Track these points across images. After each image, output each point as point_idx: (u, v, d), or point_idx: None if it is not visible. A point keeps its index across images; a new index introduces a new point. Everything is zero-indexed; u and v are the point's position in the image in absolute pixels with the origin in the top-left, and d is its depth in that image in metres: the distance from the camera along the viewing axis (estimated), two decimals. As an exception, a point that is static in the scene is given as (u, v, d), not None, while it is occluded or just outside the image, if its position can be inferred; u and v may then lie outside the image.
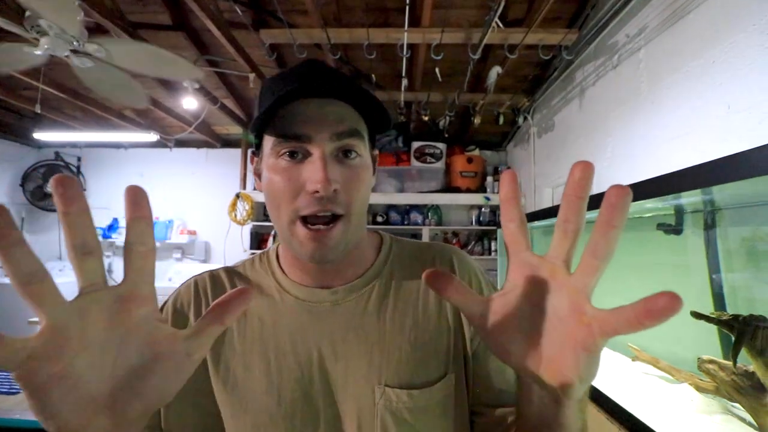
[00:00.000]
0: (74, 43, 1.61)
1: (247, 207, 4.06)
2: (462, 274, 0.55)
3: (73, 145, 4.66)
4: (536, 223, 2.08)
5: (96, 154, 4.72)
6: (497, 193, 3.98)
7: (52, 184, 0.23)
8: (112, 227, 4.51)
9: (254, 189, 4.30)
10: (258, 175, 0.52)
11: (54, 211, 4.60)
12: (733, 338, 0.82)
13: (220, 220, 4.36)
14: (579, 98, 2.61)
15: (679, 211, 1.07)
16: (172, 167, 4.69)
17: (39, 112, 2.70)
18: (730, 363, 0.85)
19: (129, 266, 0.28)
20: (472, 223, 4.07)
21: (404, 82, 2.69)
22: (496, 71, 2.52)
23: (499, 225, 3.02)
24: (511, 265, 0.31)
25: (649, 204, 1.04)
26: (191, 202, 4.63)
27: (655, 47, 1.86)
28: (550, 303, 0.29)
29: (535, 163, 3.45)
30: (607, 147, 2.23)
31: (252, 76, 2.83)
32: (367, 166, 0.49)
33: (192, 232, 4.52)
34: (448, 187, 4.15)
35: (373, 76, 2.77)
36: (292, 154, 0.45)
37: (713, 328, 1.07)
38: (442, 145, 3.98)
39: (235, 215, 4.07)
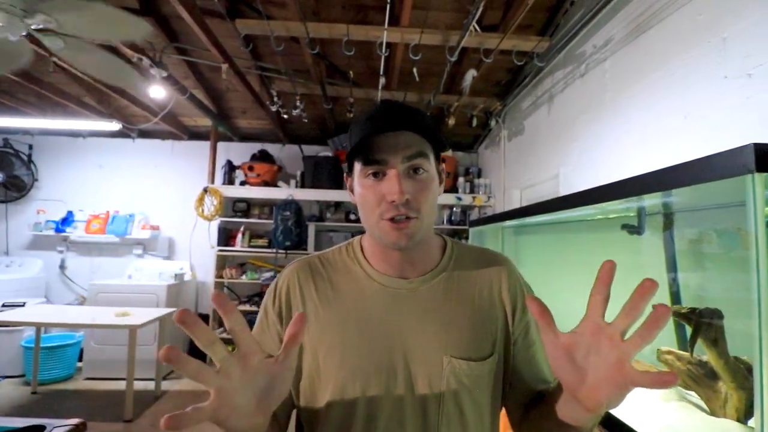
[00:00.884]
0: (23, 20, 1.50)
1: (215, 202, 3.93)
2: (512, 280, 0.70)
3: (25, 132, 4.35)
4: (507, 223, 2.15)
5: (50, 142, 4.43)
6: (469, 193, 4.08)
7: (178, 316, 0.41)
8: (67, 221, 4.25)
9: (228, 184, 4.18)
10: (351, 190, 0.69)
11: (1, 202, 4.28)
12: (689, 331, 0.88)
13: (185, 215, 4.21)
14: (548, 104, 2.71)
15: (641, 213, 1.14)
16: (135, 159, 4.48)
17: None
18: (686, 354, 0.92)
19: (238, 340, 0.44)
20: (443, 223, 4.14)
21: (382, 80, 2.70)
22: (471, 74, 2.58)
23: (469, 225, 3.10)
24: (586, 320, 0.44)
25: (616, 205, 1.10)
26: (154, 196, 4.43)
27: (619, 58, 1.97)
28: (603, 352, 0.43)
29: (505, 165, 3.55)
30: (573, 151, 2.34)
31: (225, 66, 2.75)
32: (433, 179, 0.63)
33: (155, 227, 4.34)
34: (421, 187, 4.19)
35: (350, 72, 2.76)
36: (375, 174, 0.61)
37: (669, 322, 1.15)
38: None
39: (203, 210, 3.93)
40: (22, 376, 3.52)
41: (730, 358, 0.82)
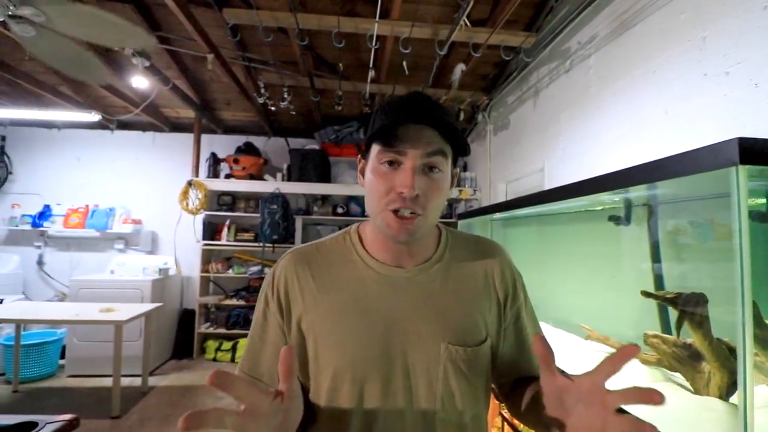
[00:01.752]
0: (9, 7, 1.45)
1: (200, 195, 3.87)
2: (505, 268, 0.73)
3: (-4, 123, 4.17)
4: (496, 215, 2.20)
5: (24, 133, 4.26)
6: (455, 186, 4.13)
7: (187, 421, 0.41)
8: (44, 215, 4.11)
9: (212, 177, 4.11)
10: (362, 173, 0.68)
11: (-29, 195, 4.10)
12: (673, 315, 0.94)
13: (169, 209, 4.13)
14: (533, 98, 2.77)
15: (627, 205, 1.20)
16: (114, 151, 4.36)
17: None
18: (672, 337, 0.98)
19: (245, 400, 0.46)
20: (430, 216, 4.18)
21: (371, 73, 2.70)
22: (460, 68, 2.61)
23: (458, 218, 3.15)
24: (589, 377, 0.48)
25: (604, 197, 1.16)
26: (136, 189, 4.33)
27: (603, 55, 2.03)
28: (592, 409, 0.47)
29: (490, 159, 3.61)
30: (558, 145, 2.40)
31: (210, 57, 2.69)
32: (446, 180, 0.64)
33: (137, 221, 4.24)
34: (408, 180, 4.22)
35: (340, 65, 2.75)
36: (391, 163, 0.60)
37: (653, 308, 1.22)
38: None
39: (187, 204, 3.86)
40: (2, 374, 3.41)
41: (714, 340, 0.88)
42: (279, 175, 4.15)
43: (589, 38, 2.13)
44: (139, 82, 2.95)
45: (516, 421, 1.71)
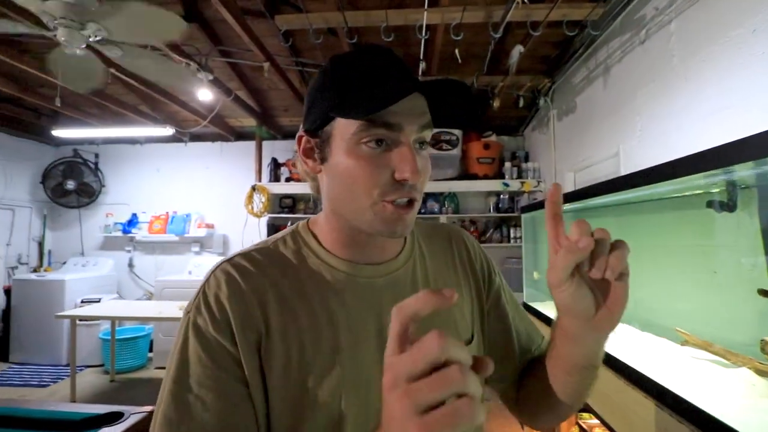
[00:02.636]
0: (81, 30, 1.60)
1: (263, 199, 4.06)
2: (475, 248, 0.67)
3: (91, 142, 4.72)
4: (566, 207, 2.01)
5: (113, 150, 4.77)
6: (516, 178, 3.91)
7: None
8: (132, 222, 4.57)
9: (274, 182, 4.29)
10: (308, 155, 0.54)
11: (74, 207, 4.67)
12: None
13: (237, 212, 4.38)
14: (603, 77, 2.51)
15: (732, 188, 1.01)
16: (188, 161, 4.72)
17: (58, 106, 2.71)
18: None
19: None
20: (490, 210, 4.01)
21: (422, 65, 2.63)
22: (518, 50, 2.44)
23: (521, 211, 2.96)
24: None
25: (700, 180, 0.98)
26: (208, 195, 4.66)
27: (687, 19, 1.77)
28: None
29: (555, 147, 3.35)
30: (636, 126, 2.15)
31: (267, 65, 2.80)
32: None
33: (210, 226, 4.55)
34: (465, 174, 4.08)
35: (389, 61, 2.70)
36: (379, 142, 0.47)
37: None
38: (458, 132, 3.90)
39: (252, 208, 4.07)
40: (101, 365, 3.85)
41: None
42: (336, 176, 4.22)
43: (668, 2, 1.87)
44: (204, 95, 3.15)
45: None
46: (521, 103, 3.21)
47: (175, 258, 4.62)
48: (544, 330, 0.66)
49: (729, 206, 0.96)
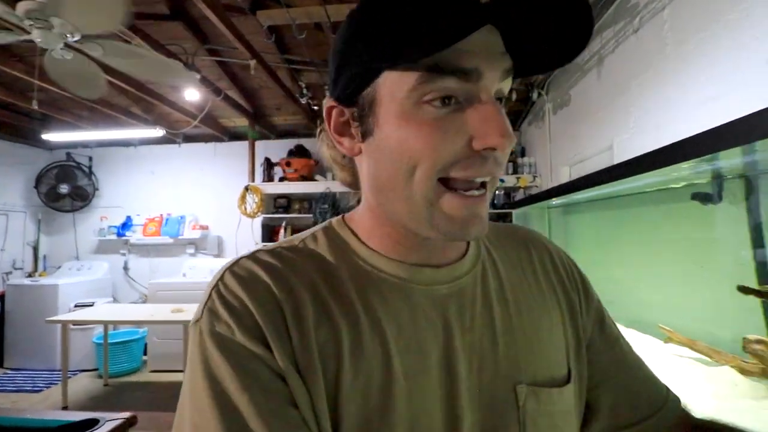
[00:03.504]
0: (68, 36, 1.57)
1: (256, 199, 4.02)
2: (563, 260, 0.50)
3: (84, 146, 4.70)
4: (553, 201, 1.96)
5: (106, 153, 4.75)
6: (512, 174, 3.85)
7: None
8: (126, 225, 4.55)
9: (267, 182, 4.26)
10: (347, 134, 0.40)
11: (69, 211, 4.65)
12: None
13: (230, 214, 4.35)
14: (597, 68, 2.45)
15: (718, 179, 0.95)
16: (182, 163, 4.69)
17: (36, 108, 2.69)
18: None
19: None
20: (486, 207, 3.95)
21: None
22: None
23: (512, 207, 2.90)
24: None
25: (684, 170, 0.93)
26: (202, 197, 4.63)
27: (680, 5, 1.71)
28: None
29: (550, 140, 3.29)
30: (630, 118, 2.09)
31: (253, 62, 2.76)
32: None
33: (204, 227, 4.53)
34: (461, 171, 4.02)
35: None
36: (446, 100, 0.33)
37: (755, 306, 0.96)
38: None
39: (245, 208, 4.04)
40: (95, 369, 3.83)
41: None
42: (329, 175, 4.18)
43: (662, -13, 1.81)
44: (192, 94, 3.12)
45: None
46: (514, 96, 3.15)
47: (170, 260, 4.60)
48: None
49: (712, 197, 0.91)
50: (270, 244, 0.43)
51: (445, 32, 0.29)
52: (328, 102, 0.41)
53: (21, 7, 1.40)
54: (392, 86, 0.35)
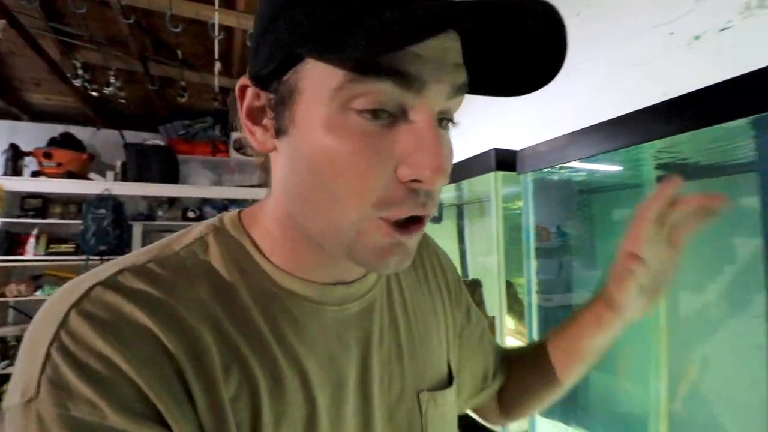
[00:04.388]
0: None
1: (-9, 196, 3.05)
2: (447, 260, 0.54)
3: None
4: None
5: None
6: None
7: None
8: None
9: (12, 175, 3.28)
10: (260, 124, 0.33)
11: None
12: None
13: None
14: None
15: (440, 204, 1.38)
16: None
17: None
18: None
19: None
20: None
21: (217, 65, 2.51)
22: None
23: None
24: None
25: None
26: None
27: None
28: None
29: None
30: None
31: (2, 23, 2.16)
32: None
33: None
34: (269, 183, 4.08)
35: (179, 51, 2.49)
36: (377, 112, 0.27)
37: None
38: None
39: (-30, 207, 3.00)
40: None
41: (489, 316, 1.06)
42: (110, 174, 3.55)
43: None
44: None
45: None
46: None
47: None
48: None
49: (437, 219, 1.29)
50: (135, 257, 0.32)
51: (399, 30, 0.23)
52: (243, 79, 0.33)
53: None
54: (315, 80, 0.28)
